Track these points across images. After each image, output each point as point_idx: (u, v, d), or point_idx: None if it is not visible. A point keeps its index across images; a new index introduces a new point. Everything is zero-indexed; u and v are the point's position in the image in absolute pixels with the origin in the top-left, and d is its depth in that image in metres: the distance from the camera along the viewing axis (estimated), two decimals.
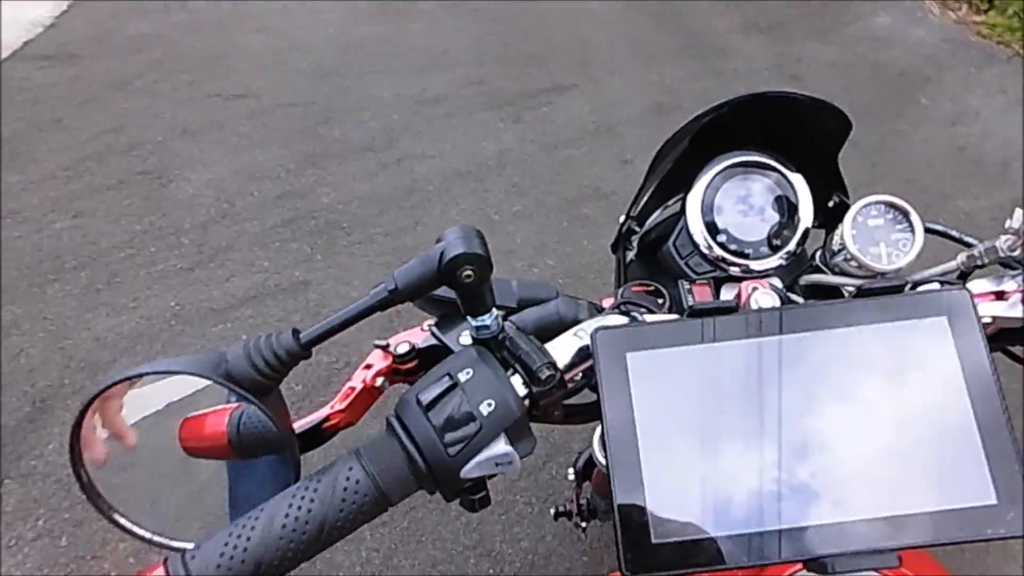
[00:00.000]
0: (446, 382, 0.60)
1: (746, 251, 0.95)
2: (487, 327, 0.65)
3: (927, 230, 0.92)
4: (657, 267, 1.07)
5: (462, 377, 0.60)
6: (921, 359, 0.62)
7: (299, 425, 0.74)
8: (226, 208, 3.07)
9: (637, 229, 1.06)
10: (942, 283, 0.73)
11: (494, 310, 0.65)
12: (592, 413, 0.75)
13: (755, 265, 0.94)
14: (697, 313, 0.63)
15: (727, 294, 0.95)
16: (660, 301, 0.90)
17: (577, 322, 0.70)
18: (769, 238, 0.94)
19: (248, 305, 2.65)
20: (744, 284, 0.76)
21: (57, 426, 2.26)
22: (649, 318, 0.72)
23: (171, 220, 3.01)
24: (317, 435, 0.75)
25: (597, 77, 3.94)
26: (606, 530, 2.05)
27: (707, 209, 0.96)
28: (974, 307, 0.63)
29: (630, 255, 1.09)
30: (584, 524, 1.69)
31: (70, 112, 3.62)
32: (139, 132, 3.50)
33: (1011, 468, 0.58)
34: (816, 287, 0.93)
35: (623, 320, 0.69)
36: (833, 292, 0.92)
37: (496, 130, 3.54)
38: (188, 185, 3.19)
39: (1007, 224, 0.78)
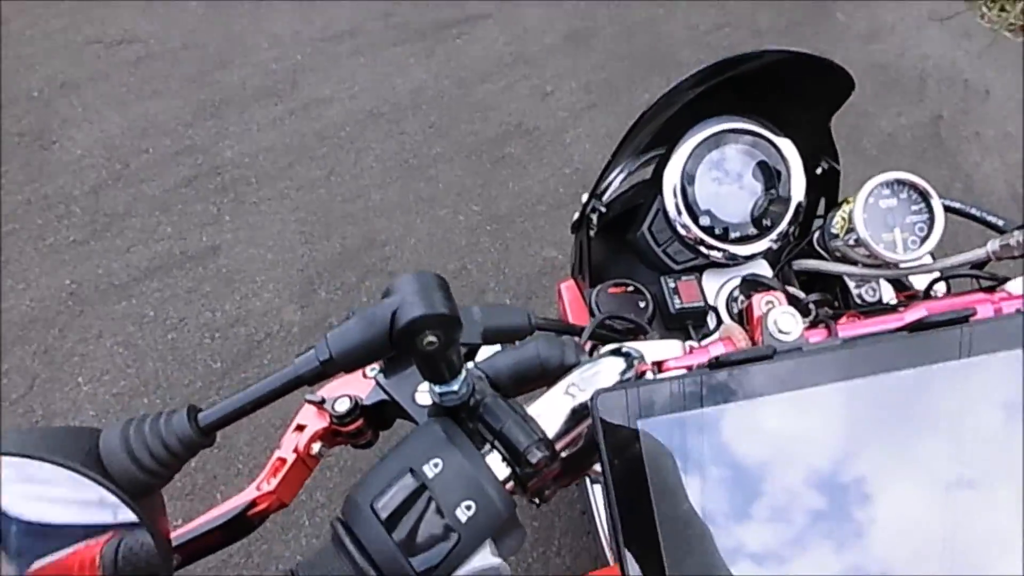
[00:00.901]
0: (410, 483, 0.46)
1: (731, 233, 0.83)
2: (454, 392, 0.50)
3: (946, 209, 0.81)
4: (623, 249, 0.95)
5: (429, 472, 0.46)
6: (996, 399, 0.51)
7: (218, 514, 0.59)
8: (119, 169, 2.80)
9: (602, 209, 0.93)
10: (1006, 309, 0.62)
11: (464, 370, 0.51)
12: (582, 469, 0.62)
13: (740, 250, 0.82)
14: (722, 365, 0.51)
15: (710, 285, 0.83)
16: (642, 304, 0.78)
17: (564, 367, 0.57)
18: (755, 217, 0.83)
19: (153, 277, 2.44)
20: (755, 298, 0.64)
21: None
22: (646, 348, 0.60)
23: (57, 187, 2.73)
24: (243, 523, 0.60)
25: (511, 5, 3.73)
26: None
27: (686, 186, 0.84)
28: None
29: (591, 234, 0.96)
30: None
31: None
32: (12, 88, 3.15)
33: None
34: (811, 274, 0.82)
35: (620, 364, 0.56)
36: (830, 280, 0.82)
37: (408, 66, 3.32)
38: (73, 146, 2.90)
39: None
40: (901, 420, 0.51)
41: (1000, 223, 0.78)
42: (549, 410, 0.53)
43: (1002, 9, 3.93)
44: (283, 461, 0.61)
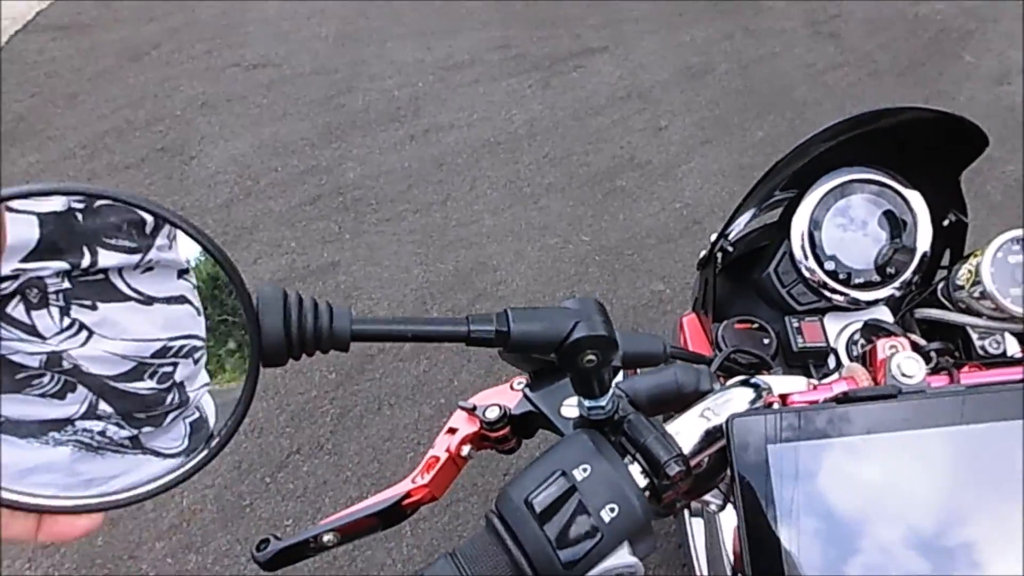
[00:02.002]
0: (562, 483, 0.51)
1: (854, 279, 0.86)
2: (602, 408, 0.56)
3: None
4: (746, 288, 0.98)
5: (578, 475, 0.51)
6: None
7: (376, 502, 0.65)
8: (250, 185, 2.98)
9: (729, 248, 0.97)
10: None
11: (612, 388, 0.56)
12: (705, 489, 0.66)
13: (863, 295, 0.85)
14: (850, 400, 0.54)
15: (831, 328, 0.86)
16: (766, 341, 0.82)
17: (698, 393, 0.61)
18: (879, 264, 0.85)
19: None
20: (880, 342, 0.66)
21: None
22: (773, 381, 0.63)
23: (194, 199, 2.93)
24: (396, 512, 0.67)
25: (627, 38, 3.79)
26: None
27: (812, 232, 0.87)
28: None
29: (716, 271, 1.00)
30: None
31: (85, 86, 3.52)
32: (157, 106, 3.40)
33: None
34: (932, 323, 0.84)
35: (750, 394, 0.60)
36: (950, 329, 0.83)
37: (524, 97, 3.41)
38: (210, 162, 3.10)
39: None
40: (1016, 468, 0.53)
41: None
42: (685, 430, 0.58)
43: None
44: (436, 459, 0.67)
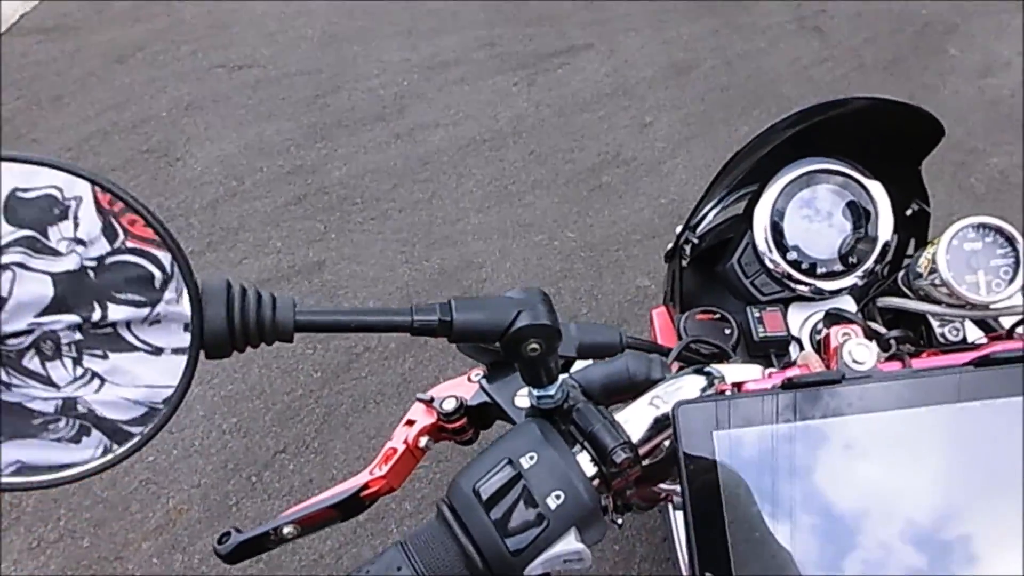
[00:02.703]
0: (507, 471, 0.52)
1: (818, 269, 0.86)
2: (550, 397, 0.56)
3: None
4: (713, 280, 0.99)
5: (525, 463, 0.52)
6: None
7: (335, 493, 0.66)
8: (235, 186, 2.98)
9: (695, 240, 0.97)
10: None
11: (559, 378, 0.57)
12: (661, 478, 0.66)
13: (826, 285, 0.85)
14: (794, 386, 0.55)
15: (795, 317, 0.86)
16: (727, 332, 0.82)
17: (650, 382, 0.62)
18: (842, 254, 0.86)
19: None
20: (833, 330, 0.67)
21: None
22: (727, 369, 0.64)
23: (180, 200, 2.92)
24: (355, 503, 0.67)
25: (613, 35, 3.80)
26: (638, 519, 2.00)
27: (776, 222, 0.88)
28: None
29: (683, 264, 1.00)
30: (619, 520, 1.64)
31: (71, 88, 3.52)
32: (143, 108, 3.39)
33: None
34: (896, 312, 0.84)
35: (701, 381, 0.60)
36: (914, 318, 0.84)
37: (510, 94, 3.42)
38: (195, 163, 3.10)
39: None
40: (961, 450, 0.53)
41: None
42: (634, 418, 0.58)
43: None
44: (394, 451, 0.67)
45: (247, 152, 3.14)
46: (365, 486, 0.66)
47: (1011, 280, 0.76)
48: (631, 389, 0.62)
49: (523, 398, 0.63)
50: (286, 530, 0.65)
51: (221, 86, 3.53)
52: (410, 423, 0.69)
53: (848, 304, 0.89)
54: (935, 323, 0.83)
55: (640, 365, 0.64)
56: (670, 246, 1.00)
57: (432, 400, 0.68)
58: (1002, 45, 3.82)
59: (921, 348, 0.79)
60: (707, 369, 0.63)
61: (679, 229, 0.98)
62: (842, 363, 0.61)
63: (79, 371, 0.45)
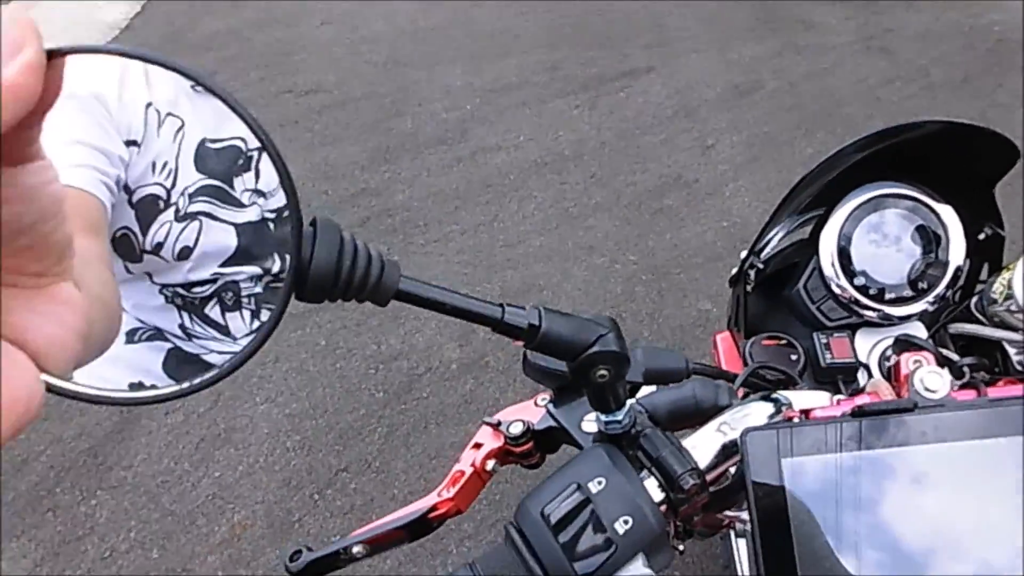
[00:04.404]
0: (576, 496, 0.52)
1: (886, 295, 0.85)
2: (618, 422, 0.57)
3: None
4: (779, 305, 0.98)
5: (593, 488, 0.52)
6: None
7: (403, 515, 0.67)
8: (303, 210, 3.04)
9: (760, 265, 0.97)
10: None
11: (627, 403, 0.57)
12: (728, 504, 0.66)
13: (895, 311, 0.84)
14: (865, 414, 0.54)
15: (863, 344, 0.85)
16: (794, 358, 0.82)
17: (716, 408, 0.61)
18: (911, 279, 0.84)
19: (326, 309, 2.63)
20: (904, 357, 0.66)
21: (144, 436, 2.28)
22: (795, 396, 0.63)
23: None
24: (423, 525, 0.68)
25: (673, 58, 3.79)
26: (699, 545, 1.97)
27: (843, 248, 0.86)
28: None
29: (748, 288, 1.00)
30: (681, 546, 1.62)
31: None
32: None
33: None
34: (969, 339, 0.82)
35: (769, 408, 0.60)
36: (988, 345, 0.82)
37: (572, 118, 3.43)
38: None
39: None
40: None
41: None
42: (702, 444, 0.58)
43: None
44: (462, 473, 0.68)
45: (313, 175, 3.21)
46: (433, 508, 0.67)
47: None
48: (698, 415, 0.61)
49: (591, 423, 0.63)
50: (356, 549, 0.67)
51: (288, 111, 3.62)
52: (477, 446, 0.69)
53: (918, 330, 0.87)
54: (1012, 351, 0.81)
55: (707, 391, 0.64)
56: (735, 271, 1.00)
57: (499, 424, 0.69)
58: None
59: (997, 376, 0.77)
60: (774, 396, 0.62)
61: (744, 253, 0.97)
62: (913, 391, 0.60)
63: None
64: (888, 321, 0.86)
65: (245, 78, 3.89)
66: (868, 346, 0.86)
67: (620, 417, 0.56)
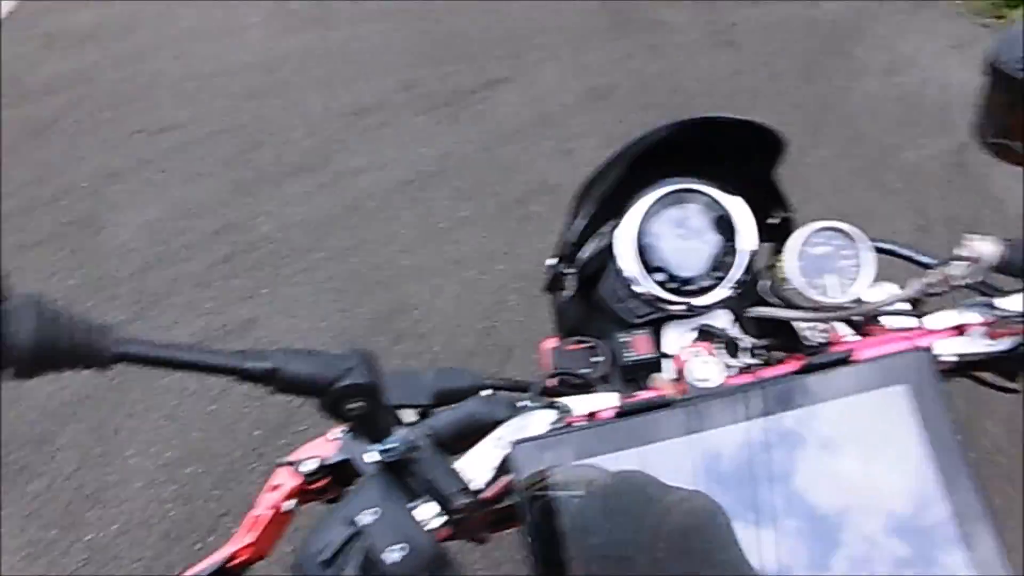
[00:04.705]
0: (344, 530, 0.52)
1: (685, 287, 0.88)
2: (392, 449, 0.57)
3: (878, 250, 0.85)
4: (594, 308, 1.00)
5: (366, 520, 0.52)
6: (884, 432, 0.55)
7: (201, 569, 0.65)
8: (162, 251, 2.95)
9: (569, 270, 0.99)
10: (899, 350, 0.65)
11: (400, 429, 0.57)
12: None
13: (696, 301, 0.86)
14: (625, 414, 0.56)
15: (671, 337, 0.87)
16: (595, 360, 0.83)
17: (496, 423, 0.62)
18: (709, 269, 0.87)
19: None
20: (683, 350, 0.68)
21: (4, 509, 2.16)
22: (580, 401, 0.65)
23: (106, 270, 2.88)
24: (224, 575, 0.66)
25: (530, 66, 3.85)
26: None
27: (640, 246, 0.89)
28: (933, 370, 0.56)
29: (566, 295, 1.01)
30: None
31: None
32: (64, 179, 3.35)
33: (987, 541, 0.52)
34: (766, 321, 0.86)
35: (551, 416, 0.61)
36: (784, 325, 0.85)
37: (434, 134, 3.44)
38: (120, 230, 3.06)
39: (958, 251, 0.72)
40: (787, 458, 0.55)
41: (929, 260, 0.81)
42: (478, 461, 0.59)
43: None
44: (260, 518, 0.67)
45: (172, 215, 3.12)
46: (232, 557, 0.66)
47: (857, 279, 0.78)
48: (480, 432, 0.62)
49: (372, 453, 0.63)
50: None
51: (142, 151, 3.50)
52: (274, 488, 0.68)
53: (723, 319, 0.90)
54: (803, 327, 0.85)
55: (484, 406, 0.64)
56: (547, 278, 1.02)
57: (294, 463, 0.68)
58: (905, 43, 3.95)
59: (791, 354, 0.80)
60: (556, 403, 0.64)
61: (550, 261, 0.99)
62: (689, 383, 0.62)
63: None
64: (693, 312, 0.89)
65: (94, 119, 3.74)
66: (676, 338, 0.89)
67: (394, 444, 0.57)
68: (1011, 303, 0.64)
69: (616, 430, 0.55)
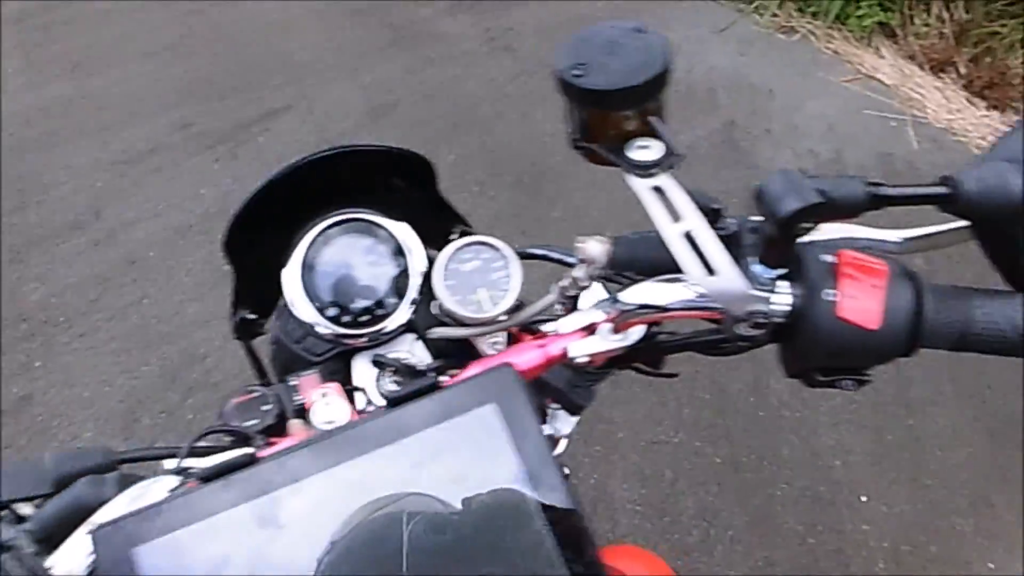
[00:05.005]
0: None
1: (362, 318, 0.86)
2: None
3: (525, 256, 0.87)
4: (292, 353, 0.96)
5: None
6: (479, 454, 0.55)
7: None
8: None
9: (254, 316, 0.95)
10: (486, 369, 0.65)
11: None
12: None
13: (371, 330, 0.84)
14: (210, 477, 0.53)
15: (361, 369, 0.85)
16: (265, 409, 0.79)
17: (104, 504, 0.58)
18: (385, 295, 0.85)
19: None
20: (311, 392, 0.67)
21: None
22: (213, 458, 0.61)
23: None
24: None
25: (310, 91, 3.78)
26: None
27: (308, 282, 0.86)
28: (519, 384, 0.56)
29: (273, 338, 0.98)
30: None
31: None
32: None
33: (585, 550, 0.53)
34: (447, 340, 0.85)
35: (172, 483, 0.57)
36: (465, 342, 0.85)
37: (212, 173, 3.31)
38: None
39: (577, 251, 0.73)
40: (389, 489, 0.53)
41: (574, 261, 0.83)
42: (69, 554, 0.54)
43: (774, 14, 4.21)
44: None
45: None
46: None
47: (508, 290, 0.79)
48: (87, 517, 0.57)
49: None
50: None
51: None
52: None
53: (407, 344, 0.88)
54: (479, 342, 0.85)
55: (89, 488, 0.59)
56: (232, 325, 0.98)
57: None
58: (671, 32, 4.14)
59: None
60: (180, 467, 0.60)
61: (231, 311, 0.96)
62: (315, 426, 0.60)
63: None
64: (375, 341, 0.87)
65: None
66: (362, 371, 0.87)
67: None
68: (631, 295, 0.65)
69: (202, 496, 0.52)
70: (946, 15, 3.85)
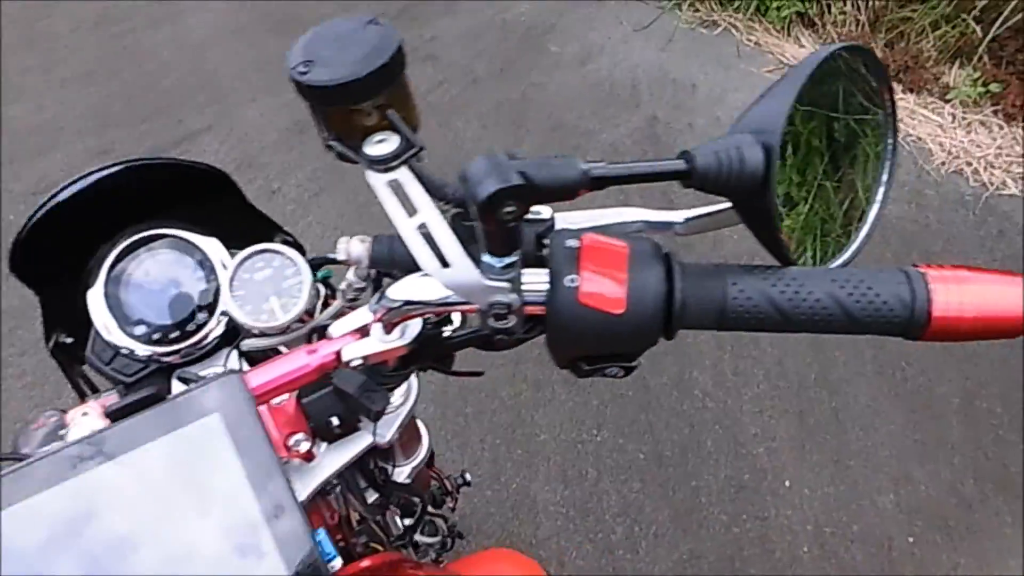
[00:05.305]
0: None
1: (173, 334, 0.84)
2: None
3: (316, 264, 0.85)
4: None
5: None
6: (206, 467, 0.54)
7: None
8: None
9: (72, 339, 0.92)
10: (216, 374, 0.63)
11: None
12: None
13: (182, 346, 0.83)
14: None
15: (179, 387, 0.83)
16: (62, 433, 0.77)
17: None
18: (196, 309, 0.84)
19: None
20: (73, 410, 0.65)
21: None
22: None
23: None
24: None
25: (231, 111, 3.74)
26: None
27: (113, 302, 0.84)
28: (242, 392, 0.55)
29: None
30: None
31: None
32: None
33: (301, 551, 0.51)
34: (261, 351, 0.84)
35: None
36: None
37: None
38: None
39: (334, 254, 0.72)
40: (113, 514, 0.52)
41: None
42: None
43: (695, 9, 4.24)
44: None
45: None
46: None
47: (300, 297, 0.78)
48: None
49: None
50: None
51: None
52: None
53: (222, 357, 0.87)
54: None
55: None
56: (50, 350, 0.95)
57: None
58: (594, 33, 4.16)
59: None
60: None
61: (46, 335, 0.93)
62: None
63: None
64: (189, 357, 0.85)
65: None
66: (178, 389, 0.85)
67: None
68: (394, 292, 0.64)
69: None
70: (861, 3, 3.90)
